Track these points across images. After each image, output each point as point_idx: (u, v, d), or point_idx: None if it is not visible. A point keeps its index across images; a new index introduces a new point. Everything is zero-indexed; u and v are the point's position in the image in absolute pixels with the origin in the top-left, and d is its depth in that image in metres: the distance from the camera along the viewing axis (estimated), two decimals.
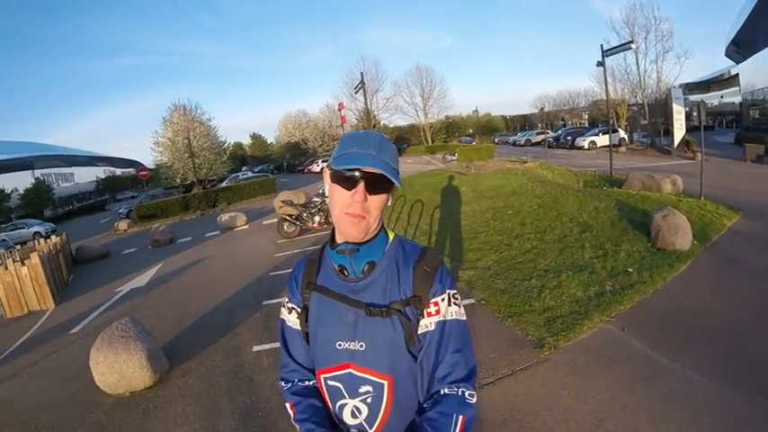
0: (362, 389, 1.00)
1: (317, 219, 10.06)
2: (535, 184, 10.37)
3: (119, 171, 59.08)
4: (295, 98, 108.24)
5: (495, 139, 44.42)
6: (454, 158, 28.13)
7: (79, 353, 4.75)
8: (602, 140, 25.42)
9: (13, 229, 23.94)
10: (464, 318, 0.99)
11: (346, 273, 1.02)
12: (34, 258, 7.78)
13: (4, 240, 18.53)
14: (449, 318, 0.96)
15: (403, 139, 50.18)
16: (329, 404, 1.06)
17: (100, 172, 56.35)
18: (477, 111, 50.77)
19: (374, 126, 39.17)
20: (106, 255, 12.78)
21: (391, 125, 47.73)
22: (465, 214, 8.76)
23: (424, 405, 0.93)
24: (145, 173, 26.39)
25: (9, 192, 33.84)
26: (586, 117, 49.56)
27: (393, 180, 0.94)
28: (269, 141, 59.43)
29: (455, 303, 0.99)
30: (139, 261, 10.98)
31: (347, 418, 1.03)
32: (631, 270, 4.87)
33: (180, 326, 5.63)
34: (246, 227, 13.62)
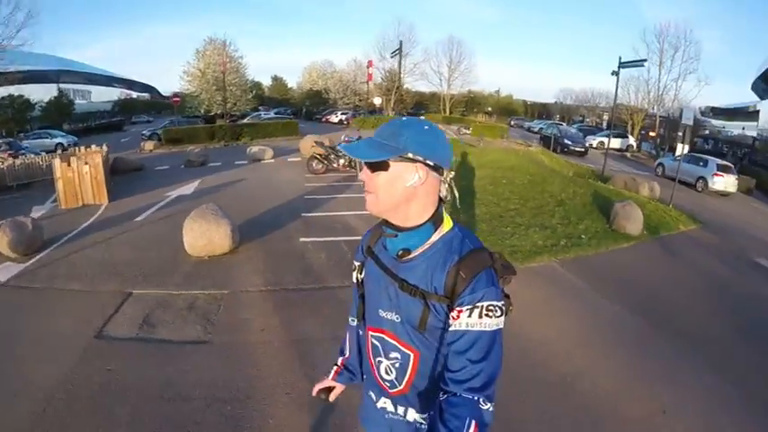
0: (392, 354, 1.11)
1: (341, 161, 11.80)
2: (531, 165, 11.74)
3: (134, 94, 58.50)
4: (324, 47, 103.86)
5: (512, 122, 45.05)
6: (468, 132, 29.24)
7: (152, 232, 5.81)
8: (612, 143, 26.42)
9: (36, 138, 23.50)
10: (496, 327, 0.97)
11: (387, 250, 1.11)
12: (96, 158, 8.97)
13: (25, 147, 17.99)
14: (471, 329, 0.96)
15: (422, 106, 51.24)
16: (370, 354, 1.19)
17: (116, 93, 55.89)
18: (498, 91, 51.07)
19: (397, 88, 39.68)
20: (141, 168, 13.69)
21: (414, 89, 48.11)
22: (468, 179, 10.16)
23: (441, 402, 0.96)
24: (178, 99, 27.73)
25: (35, 102, 31.50)
26: (605, 118, 50.19)
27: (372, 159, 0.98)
28: (290, 86, 58.56)
29: (487, 315, 0.96)
30: (177, 176, 11.89)
31: (382, 372, 1.15)
32: (584, 237, 6.38)
33: (236, 221, 6.72)
34: (273, 161, 14.68)
